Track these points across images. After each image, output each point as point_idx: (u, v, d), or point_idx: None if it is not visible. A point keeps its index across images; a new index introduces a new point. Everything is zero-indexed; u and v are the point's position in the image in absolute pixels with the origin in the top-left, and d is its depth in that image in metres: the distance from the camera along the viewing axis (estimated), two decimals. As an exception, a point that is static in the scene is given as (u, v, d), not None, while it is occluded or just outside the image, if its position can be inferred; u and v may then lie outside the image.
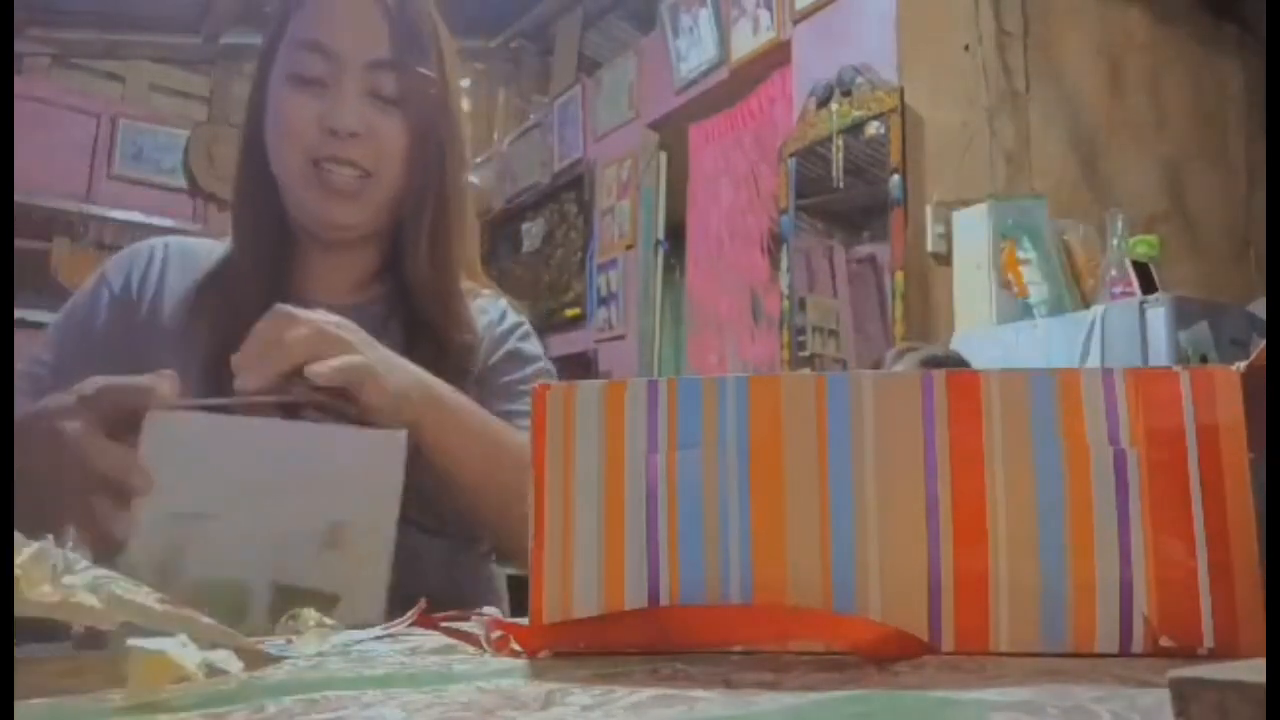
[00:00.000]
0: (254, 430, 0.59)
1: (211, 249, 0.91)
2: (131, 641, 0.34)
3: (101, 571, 0.39)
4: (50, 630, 0.45)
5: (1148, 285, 2.11)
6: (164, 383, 0.61)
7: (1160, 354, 1.91)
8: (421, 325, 0.84)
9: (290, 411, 0.64)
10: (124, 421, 0.59)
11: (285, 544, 0.57)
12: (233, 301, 0.82)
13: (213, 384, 0.75)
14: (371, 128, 0.81)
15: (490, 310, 0.93)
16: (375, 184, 0.82)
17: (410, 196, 0.84)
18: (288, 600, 0.55)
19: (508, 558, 0.89)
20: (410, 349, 0.82)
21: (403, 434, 0.62)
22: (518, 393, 0.89)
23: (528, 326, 0.96)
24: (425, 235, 0.84)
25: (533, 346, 0.94)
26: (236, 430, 0.59)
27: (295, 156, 0.81)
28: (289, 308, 0.66)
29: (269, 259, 0.85)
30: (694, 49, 3.56)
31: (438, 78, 0.84)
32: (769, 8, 3.17)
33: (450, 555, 0.82)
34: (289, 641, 0.47)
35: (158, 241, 0.90)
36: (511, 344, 0.92)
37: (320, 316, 0.67)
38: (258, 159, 0.85)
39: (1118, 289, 2.13)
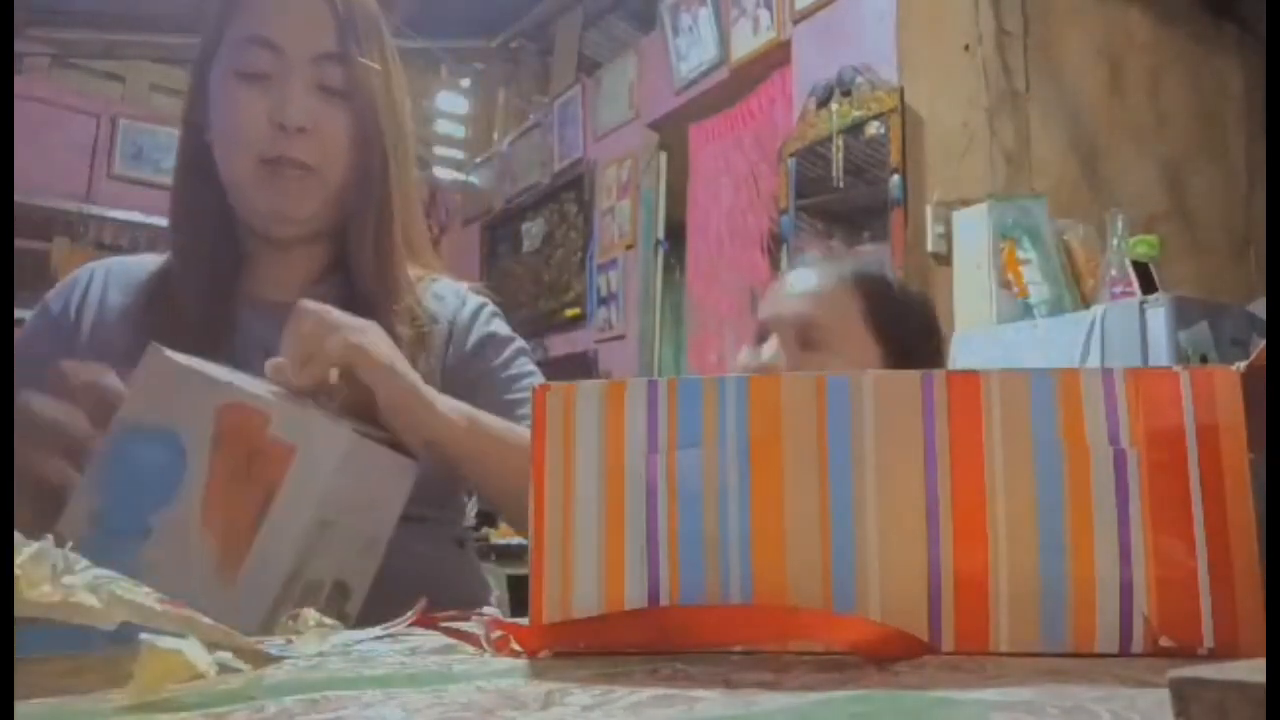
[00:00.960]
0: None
1: (146, 264, 0.90)
2: (145, 637, 0.34)
3: (101, 571, 0.39)
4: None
5: (1148, 285, 2.11)
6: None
7: (1160, 354, 1.91)
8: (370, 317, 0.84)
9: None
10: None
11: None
12: (179, 307, 0.81)
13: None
14: (318, 121, 0.81)
15: (448, 296, 0.92)
16: (322, 177, 0.82)
17: (355, 189, 0.84)
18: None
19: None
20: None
21: (413, 465, 0.65)
22: (507, 380, 0.89)
23: (492, 306, 0.96)
24: (370, 228, 0.84)
25: (502, 327, 0.94)
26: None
27: (244, 155, 0.81)
28: (316, 307, 0.66)
29: (212, 261, 0.85)
30: (694, 49, 3.56)
31: (381, 68, 0.84)
32: (769, 8, 3.17)
33: (432, 541, 0.83)
34: (289, 641, 0.47)
35: (97, 265, 0.90)
36: (480, 329, 0.92)
37: (357, 322, 0.66)
38: (200, 159, 0.84)
39: (1118, 289, 2.13)
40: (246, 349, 0.81)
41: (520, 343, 0.95)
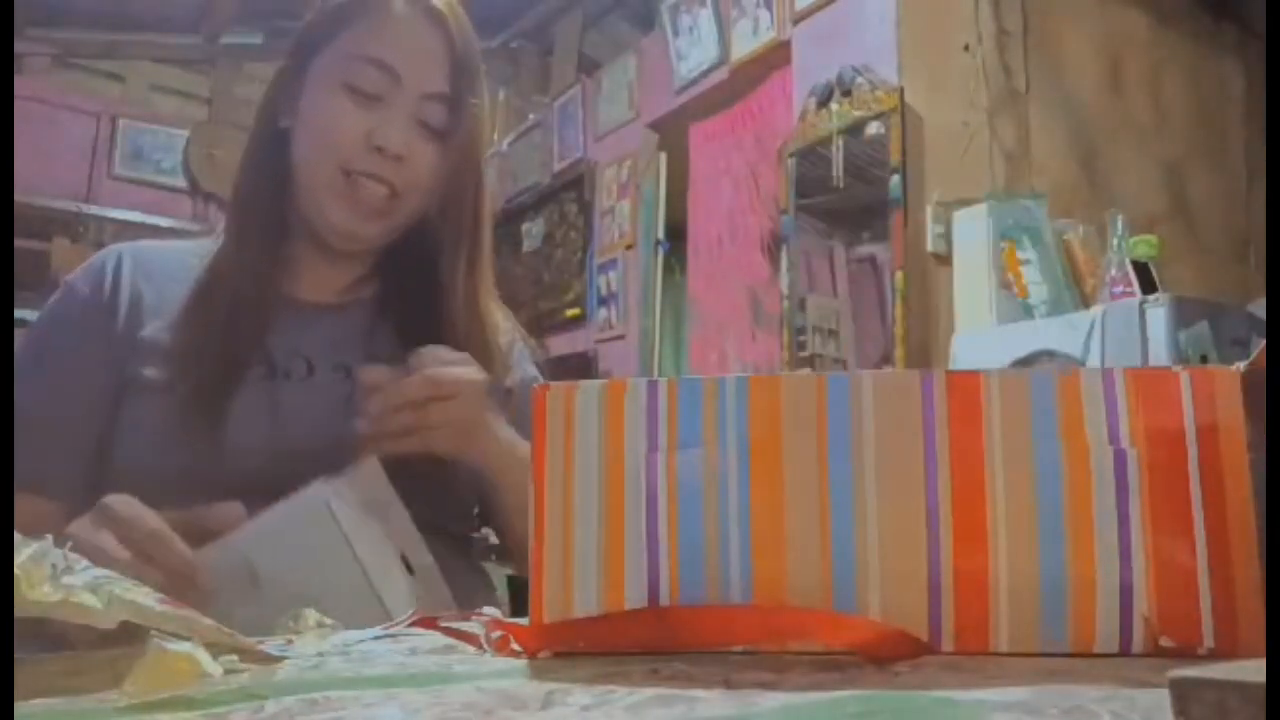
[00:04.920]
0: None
1: (177, 251, 0.88)
2: (155, 637, 0.34)
3: (101, 571, 0.39)
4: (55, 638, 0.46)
5: (1148, 285, 2.11)
6: (231, 512, 0.65)
7: (1160, 354, 1.90)
8: (417, 331, 0.84)
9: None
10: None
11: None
12: (230, 306, 0.81)
13: (214, 396, 0.76)
14: (414, 153, 0.81)
15: (504, 331, 0.94)
16: (400, 205, 0.83)
17: (444, 225, 0.85)
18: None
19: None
20: (404, 353, 0.83)
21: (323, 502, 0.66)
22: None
23: (523, 344, 0.98)
24: (462, 264, 0.85)
25: (530, 368, 0.97)
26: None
27: (329, 162, 0.81)
28: (436, 372, 0.72)
29: (266, 259, 0.84)
30: (694, 49, 3.56)
31: (479, 111, 0.86)
32: (769, 8, 3.17)
33: (447, 552, 0.83)
34: (289, 642, 0.47)
35: (123, 249, 0.87)
36: (520, 372, 0.94)
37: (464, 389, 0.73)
38: (272, 155, 0.84)
39: (1118, 289, 2.12)
40: (279, 350, 0.82)
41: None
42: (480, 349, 0.85)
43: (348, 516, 0.64)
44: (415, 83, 0.81)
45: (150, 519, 0.60)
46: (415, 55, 0.82)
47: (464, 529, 0.88)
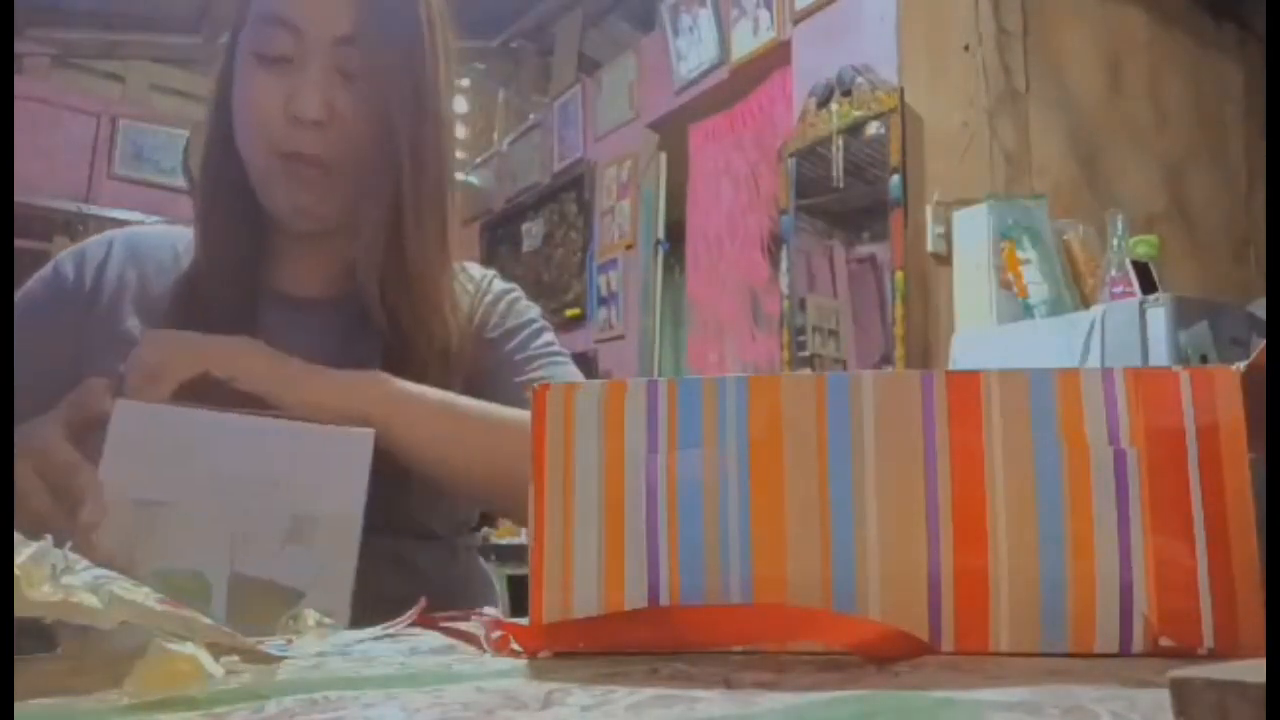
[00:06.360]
0: (221, 424, 0.58)
1: (166, 239, 0.85)
2: (156, 638, 0.34)
3: (101, 571, 0.39)
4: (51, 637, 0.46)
5: (1148, 285, 2.11)
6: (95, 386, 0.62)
7: (1160, 354, 1.90)
8: (406, 320, 0.77)
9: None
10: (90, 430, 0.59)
11: (247, 535, 0.56)
12: (202, 305, 0.77)
13: (187, 392, 0.73)
14: (337, 112, 0.74)
15: (472, 284, 0.88)
16: (341, 172, 0.76)
17: (375, 179, 0.77)
18: (248, 593, 0.55)
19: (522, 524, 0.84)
20: (397, 345, 0.77)
21: (369, 433, 0.61)
22: (521, 362, 0.84)
23: (517, 291, 0.91)
24: (384, 221, 0.76)
25: (527, 310, 0.90)
26: (204, 423, 0.58)
27: (259, 145, 0.75)
28: (169, 333, 0.67)
29: (241, 255, 0.79)
30: (694, 49, 3.56)
31: (415, 51, 0.77)
32: (769, 8, 3.17)
33: (443, 557, 0.82)
34: (289, 641, 0.47)
35: (116, 236, 0.85)
36: (506, 317, 0.87)
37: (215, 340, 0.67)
38: (226, 144, 0.79)
39: (1118, 289, 2.13)
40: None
41: (541, 322, 0.90)
42: (409, 313, 0.77)
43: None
44: (322, 31, 0.74)
45: (65, 451, 0.57)
46: (316, 1, 0.74)
47: (459, 530, 0.88)
